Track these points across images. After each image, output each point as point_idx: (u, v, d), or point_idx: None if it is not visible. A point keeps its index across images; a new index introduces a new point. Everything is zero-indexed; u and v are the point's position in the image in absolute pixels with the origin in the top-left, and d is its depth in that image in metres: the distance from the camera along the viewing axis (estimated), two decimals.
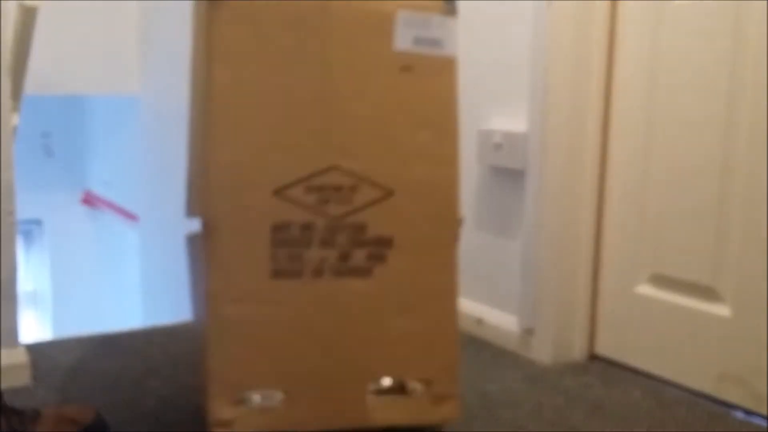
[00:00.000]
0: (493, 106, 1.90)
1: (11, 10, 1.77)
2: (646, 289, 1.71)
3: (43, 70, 2.72)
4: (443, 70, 1.28)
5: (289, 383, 1.26)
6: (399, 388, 1.32)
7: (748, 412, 1.52)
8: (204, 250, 1.24)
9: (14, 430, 1.24)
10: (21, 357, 1.59)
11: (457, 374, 1.34)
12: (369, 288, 1.27)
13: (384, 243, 1.27)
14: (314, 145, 1.24)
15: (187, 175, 1.43)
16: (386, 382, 1.31)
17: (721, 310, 1.57)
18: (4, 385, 1.39)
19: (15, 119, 1.79)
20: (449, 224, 1.32)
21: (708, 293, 1.59)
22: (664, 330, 1.67)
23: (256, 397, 1.26)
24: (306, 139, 1.24)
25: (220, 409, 1.22)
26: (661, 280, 1.68)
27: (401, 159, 1.28)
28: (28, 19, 1.83)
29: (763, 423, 1.48)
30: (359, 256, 1.26)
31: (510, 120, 1.85)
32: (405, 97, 1.27)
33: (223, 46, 1.21)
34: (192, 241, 1.36)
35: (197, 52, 1.35)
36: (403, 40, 1.25)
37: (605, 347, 1.80)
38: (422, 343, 1.31)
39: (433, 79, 1.28)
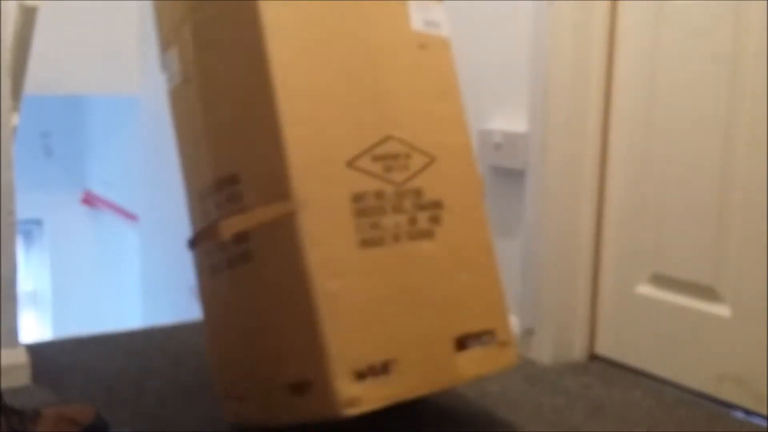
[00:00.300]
0: (493, 106, 1.90)
1: (11, 10, 1.77)
2: (646, 289, 1.71)
3: (43, 70, 2.71)
4: (445, 47, 1.42)
5: (395, 350, 1.27)
6: (474, 341, 1.37)
7: (748, 412, 1.52)
8: (290, 231, 1.23)
9: (14, 430, 1.24)
10: (21, 357, 1.59)
11: (510, 321, 1.43)
12: (435, 249, 1.34)
13: (437, 205, 1.35)
14: (370, 117, 1.31)
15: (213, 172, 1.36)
16: (466, 336, 1.37)
17: (721, 310, 1.57)
18: (4, 385, 1.40)
19: (15, 119, 1.79)
20: (477, 185, 1.43)
21: (708, 293, 1.59)
22: (664, 330, 1.67)
23: (373, 369, 1.25)
24: (362, 112, 1.30)
25: (346, 388, 1.21)
26: (661, 280, 1.68)
27: (434, 127, 1.38)
28: (28, 19, 1.83)
29: (763, 423, 1.48)
30: (423, 219, 1.33)
31: (510, 120, 1.85)
32: (426, 72, 1.39)
33: (275, 27, 1.23)
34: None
35: (216, 49, 1.33)
36: (417, 22, 1.39)
37: (605, 347, 1.80)
38: (482, 295, 1.39)
39: (441, 56, 1.41)
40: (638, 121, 1.69)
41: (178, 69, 1.38)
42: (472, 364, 1.35)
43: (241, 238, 1.27)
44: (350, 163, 1.27)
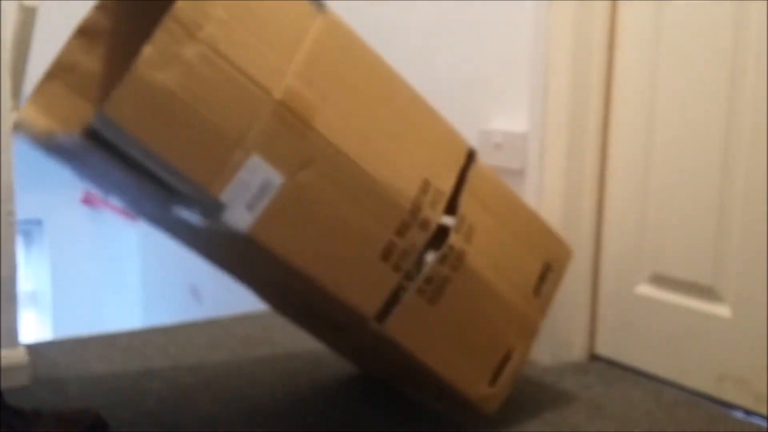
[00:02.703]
0: (493, 106, 1.90)
1: (11, 10, 1.77)
2: (646, 289, 1.71)
3: (43, 71, 2.71)
4: None
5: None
6: None
7: (748, 412, 1.52)
8: None
9: (14, 430, 1.24)
10: (21, 357, 1.59)
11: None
12: None
13: None
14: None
15: None
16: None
17: (721, 310, 1.57)
18: (4, 385, 1.39)
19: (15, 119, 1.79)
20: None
21: (708, 293, 1.59)
22: (664, 330, 1.67)
23: None
24: None
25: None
26: (661, 280, 1.68)
27: None
28: (28, 19, 1.83)
29: (763, 423, 1.48)
30: None
31: (510, 120, 1.85)
32: None
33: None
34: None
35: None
36: None
37: (605, 347, 1.80)
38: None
39: None
40: (638, 121, 1.69)
41: (275, 169, 1.13)
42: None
43: (461, 221, 1.33)
44: None
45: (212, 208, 1.09)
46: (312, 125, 1.15)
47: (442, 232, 1.29)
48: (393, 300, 1.25)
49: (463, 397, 1.37)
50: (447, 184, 1.31)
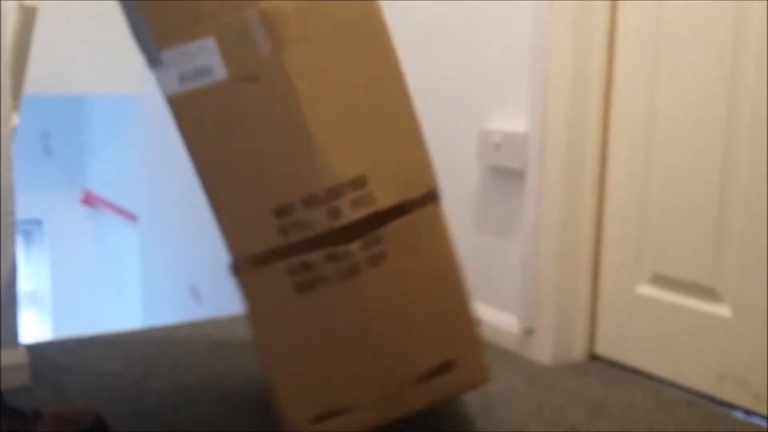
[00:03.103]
0: (493, 106, 1.90)
1: (11, 10, 1.77)
2: (646, 289, 1.71)
3: (43, 70, 2.71)
4: None
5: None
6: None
7: (748, 412, 1.52)
8: (437, 222, 1.28)
9: (14, 430, 1.24)
10: (21, 357, 1.59)
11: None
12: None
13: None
14: None
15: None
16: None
17: (721, 310, 1.57)
18: (4, 385, 1.40)
19: (15, 119, 1.79)
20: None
21: (708, 293, 1.59)
22: (664, 330, 1.67)
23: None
24: None
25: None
26: (661, 280, 1.68)
27: None
28: (28, 19, 1.83)
29: (763, 423, 1.48)
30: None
31: (510, 120, 1.85)
32: None
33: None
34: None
35: (321, 44, 1.21)
36: None
37: (605, 347, 1.80)
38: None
39: None
40: (638, 121, 1.69)
41: (223, 63, 1.17)
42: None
43: (374, 240, 1.21)
44: None
45: (153, 61, 1.19)
46: (279, 49, 1.15)
47: (351, 237, 1.20)
48: (262, 261, 1.20)
49: (279, 411, 1.24)
50: (384, 200, 1.21)
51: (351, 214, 1.19)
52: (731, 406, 1.54)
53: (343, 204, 1.18)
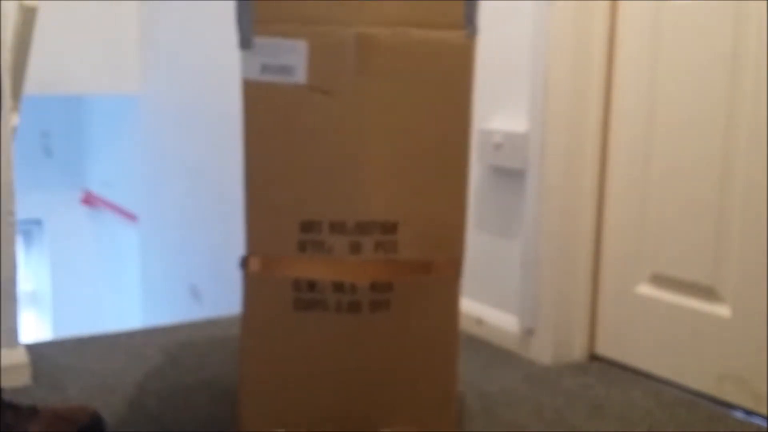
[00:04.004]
0: (493, 106, 1.90)
1: (11, 10, 1.77)
2: (646, 289, 1.71)
3: (43, 70, 2.72)
4: None
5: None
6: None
7: (748, 412, 1.52)
8: (452, 289, 1.27)
9: (8, 424, 1.24)
10: (21, 357, 1.59)
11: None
12: None
13: None
14: None
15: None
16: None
17: (721, 310, 1.57)
18: (4, 385, 1.40)
19: (15, 119, 1.79)
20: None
21: (708, 293, 1.59)
22: (664, 330, 1.67)
23: None
24: None
25: None
26: (661, 280, 1.68)
27: None
28: (28, 19, 1.83)
29: (763, 423, 1.48)
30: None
31: (510, 120, 1.85)
32: None
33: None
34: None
35: (401, 82, 1.23)
36: None
37: (605, 347, 1.80)
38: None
39: None
40: (638, 121, 1.69)
41: (306, 69, 1.18)
42: None
43: (384, 286, 1.21)
44: None
45: (244, 42, 1.17)
46: (362, 75, 1.17)
47: (365, 275, 1.21)
48: (272, 265, 1.22)
49: (237, 411, 1.25)
50: (407, 253, 1.21)
51: (370, 254, 1.20)
52: (731, 406, 1.54)
53: (366, 241, 1.20)
